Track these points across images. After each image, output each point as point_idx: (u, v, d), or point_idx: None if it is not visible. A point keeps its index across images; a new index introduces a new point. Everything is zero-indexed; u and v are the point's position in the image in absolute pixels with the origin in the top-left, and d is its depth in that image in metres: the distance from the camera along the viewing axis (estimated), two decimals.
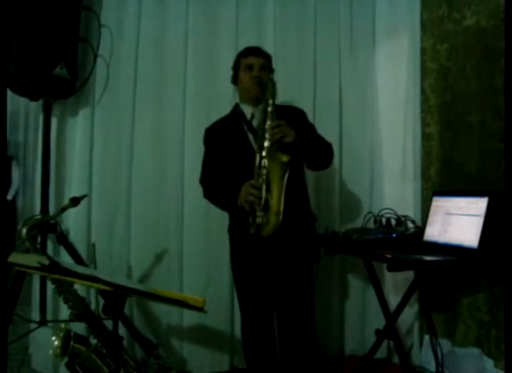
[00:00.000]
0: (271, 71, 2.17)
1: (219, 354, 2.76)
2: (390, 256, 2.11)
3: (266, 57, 2.16)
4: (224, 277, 2.72)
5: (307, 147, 1.99)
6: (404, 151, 2.86)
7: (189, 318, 2.70)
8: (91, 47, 2.64)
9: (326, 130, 2.43)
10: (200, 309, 1.37)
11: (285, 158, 1.88)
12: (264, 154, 1.89)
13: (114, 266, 2.68)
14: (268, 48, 2.82)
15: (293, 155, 1.90)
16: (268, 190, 1.88)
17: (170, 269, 2.73)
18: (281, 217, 1.87)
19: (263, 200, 1.87)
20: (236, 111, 2.18)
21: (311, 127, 2.21)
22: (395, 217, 2.57)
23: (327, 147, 2.12)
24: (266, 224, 1.87)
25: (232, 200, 2.00)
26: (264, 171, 1.88)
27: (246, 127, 2.12)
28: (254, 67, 2.10)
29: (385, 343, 2.69)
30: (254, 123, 2.10)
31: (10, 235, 2.79)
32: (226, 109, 2.27)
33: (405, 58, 2.87)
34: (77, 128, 2.68)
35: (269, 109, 1.93)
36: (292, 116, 2.11)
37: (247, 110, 2.14)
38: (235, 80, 2.19)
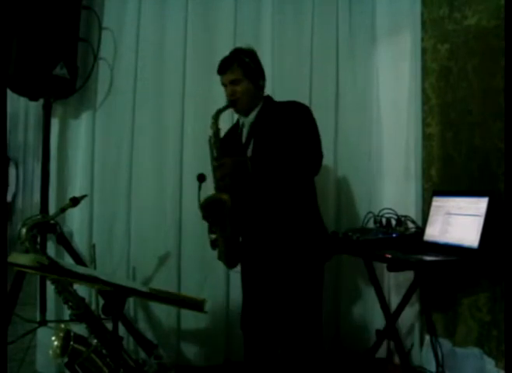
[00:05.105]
0: (248, 74, 2.02)
1: (214, 350, 2.80)
2: (390, 256, 2.12)
3: (232, 69, 2.01)
4: (220, 277, 2.76)
5: (262, 172, 1.91)
6: (404, 151, 2.86)
7: (186, 317, 2.73)
8: (91, 47, 2.64)
9: (323, 130, 2.41)
10: (200, 309, 1.37)
11: (224, 197, 1.93)
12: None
13: (114, 266, 2.68)
14: (266, 46, 2.85)
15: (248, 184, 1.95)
16: (216, 230, 2.00)
17: (169, 269, 2.74)
18: (226, 256, 2.02)
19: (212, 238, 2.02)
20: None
21: (302, 129, 1.99)
22: (395, 217, 2.57)
23: (299, 159, 1.93)
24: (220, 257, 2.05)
25: None
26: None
27: (238, 137, 2.11)
28: (226, 86, 2.05)
29: (385, 343, 2.69)
30: (245, 132, 2.09)
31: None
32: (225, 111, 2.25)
33: (405, 58, 2.86)
34: (78, 129, 2.68)
35: (213, 153, 1.99)
36: (284, 114, 2.00)
37: (242, 119, 2.12)
38: None
